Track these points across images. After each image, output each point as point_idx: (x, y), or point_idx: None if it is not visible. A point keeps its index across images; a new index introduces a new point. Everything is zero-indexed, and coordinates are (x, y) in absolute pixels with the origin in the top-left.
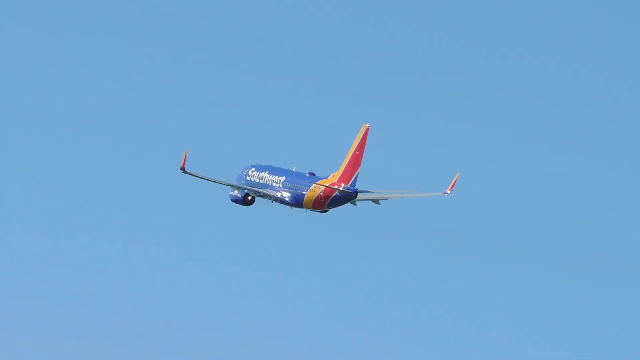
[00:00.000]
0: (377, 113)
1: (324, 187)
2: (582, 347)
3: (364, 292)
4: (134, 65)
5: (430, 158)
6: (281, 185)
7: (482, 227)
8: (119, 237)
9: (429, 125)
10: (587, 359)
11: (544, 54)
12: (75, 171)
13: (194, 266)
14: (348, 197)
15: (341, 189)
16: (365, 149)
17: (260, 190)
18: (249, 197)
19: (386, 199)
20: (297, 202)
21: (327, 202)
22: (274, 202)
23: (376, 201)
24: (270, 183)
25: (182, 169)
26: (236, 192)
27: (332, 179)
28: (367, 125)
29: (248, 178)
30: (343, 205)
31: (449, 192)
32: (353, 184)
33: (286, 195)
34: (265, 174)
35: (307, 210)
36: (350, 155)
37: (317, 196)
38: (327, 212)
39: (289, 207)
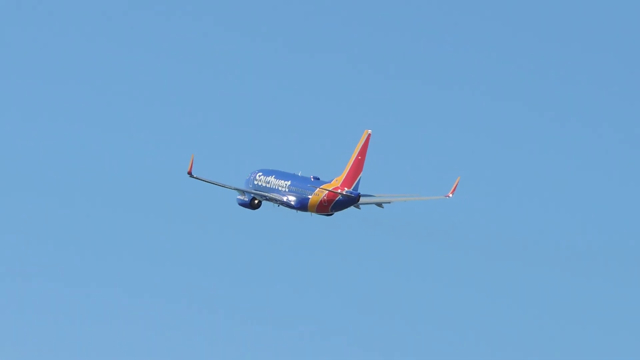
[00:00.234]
0: (379, 119)
1: (327, 192)
2: (581, 348)
3: (363, 292)
4: (141, 69)
5: (432, 162)
6: (287, 190)
7: (484, 230)
8: (127, 242)
9: (430, 130)
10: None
11: (544, 57)
12: (81, 176)
13: (200, 270)
14: (351, 200)
15: (344, 193)
16: (367, 153)
17: (266, 194)
18: (256, 201)
19: (389, 202)
20: (302, 205)
21: (331, 205)
22: (280, 205)
23: (379, 204)
24: (276, 187)
25: (189, 173)
26: (244, 196)
27: (336, 183)
28: (369, 131)
29: (255, 182)
30: (349, 209)
31: (450, 195)
32: (355, 188)
33: (292, 199)
34: (271, 179)
35: (312, 213)
36: (353, 160)
37: (321, 200)
38: (332, 215)
39: (294, 211)
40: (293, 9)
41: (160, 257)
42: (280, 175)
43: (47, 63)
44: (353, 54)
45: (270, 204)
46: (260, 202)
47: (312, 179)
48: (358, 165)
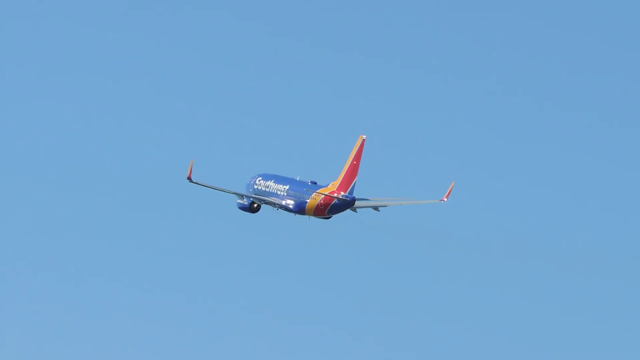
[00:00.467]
0: (373, 124)
1: (323, 195)
2: (580, 350)
3: (360, 294)
4: (140, 73)
5: (426, 167)
6: (285, 194)
7: (478, 233)
8: (128, 246)
9: (425, 135)
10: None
11: (539, 58)
12: (81, 181)
13: (200, 273)
14: (346, 204)
15: (340, 196)
16: (362, 158)
17: (265, 198)
18: (255, 205)
19: (385, 206)
20: (300, 209)
21: (327, 209)
22: (279, 209)
23: (376, 208)
24: (275, 191)
25: (189, 178)
26: (244, 200)
27: (332, 188)
28: (364, 136)
29: (255, 187)
30: (345, 212)
31: (445, 199)
32: (351, 192)
33: (290, 203)
34: (271, 183)
35: (310, 217)
36: (348, 164)
37: (318, 204)
38: (330, 218)
39: (292, 214)
40: (291, 15)
41: (162, 260)
42: (279, 179)
43: (47, 62)
44: (350, 60)
45: (270, 207)
46: (259, 206)
47: (310, 184)
48: (353, 170)
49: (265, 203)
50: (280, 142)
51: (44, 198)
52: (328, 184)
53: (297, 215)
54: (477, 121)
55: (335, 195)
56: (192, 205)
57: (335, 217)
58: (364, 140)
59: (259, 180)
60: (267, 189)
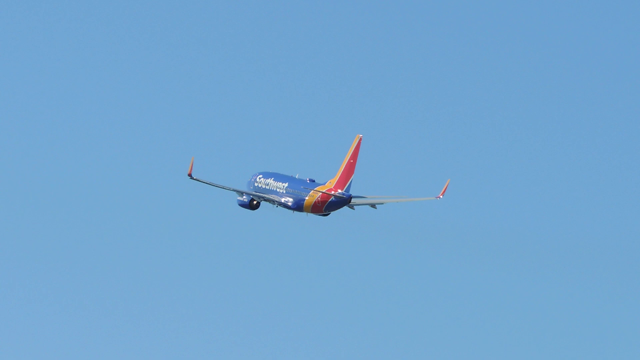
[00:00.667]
0: (370, 123)
1: (321, 193)
2: (577, 348)
3: (359, 290)
4: (142, 71)
5: (422, 165)
6: (284, 191)
7: (472, 229)
8: (129, 242)
9: (420, 135)
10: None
11: (533, 58)
12: (81, 177)
13: (201, 268)
14: (343, 201)
15: (337, 194)
16: (358, 157)
17: (265, 195)
18: (254, 202)
19: (382, 204)
20: (298, 206)
21: (324, 206)
22: (278, 206)
23: (373, 205)
24: (275, 189)
25: (190, 175)
26: (243, 197)
27: (330, 185)
28: (360, 135)
29: (256, 184)
30: (343, 209)
31: (441, 196)
32: (347, 190)
33: (289, 200)
34: (270, 181)
35: (307, 213)
36: (345, 163)
37: (315, 201)
38: (328, 215)
39: (290, 211)
40: (291, 17)
41: (163, 255)
42: (279, 177)
43: (46, 65)
44: (348, 61)
45: (269, 204)
46: (258, 203)
47: (308, 181)
48: (350, 168)
49: (265, 200)
50: (281, 140)
51: (46, 196)
52: (326, 182)
53: (296, 212)
54: (472, 119)
55: (332, 193)
56: (193, 201)
57: (333, 214)
58: (360, 139)
59: (260, 178)
60: (267, 187)
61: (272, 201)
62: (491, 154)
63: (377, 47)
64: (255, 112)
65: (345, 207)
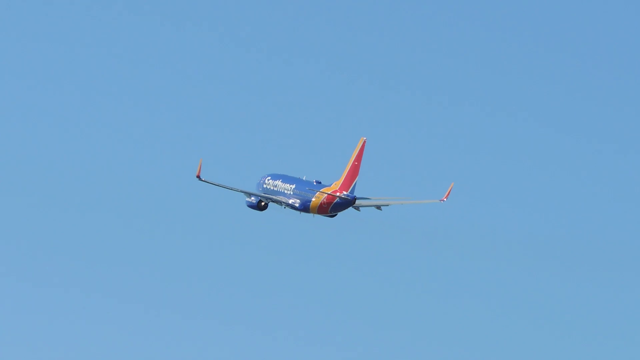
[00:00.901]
0: (375, 126)
1: (326, 195)
2: (577, 349)
3: (363, 290)
4: (151, 73)
5: (426, 168)
6: (292, 193)
7: (476, 233)
8: (138, 243)
9: (424, 138)
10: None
11: (537, 62)
12: (91, 180)
13: (209, 267)
14: (347, 203)
15: (341, 195)
16: (363, 159)
17: (272, 197)
18: (262, 203)
19: (387, 205)
20: (305, 207)
21: (330, 207)
22: (285, 207)
23: (378, 207)
24: (282, 190)
25: (198, 176)
26: (252, 198)
27: (335, 187)
28: (364, 138)
29: (265, 186)
30: (349, 211)
31: (445, 199)
32: (352, 191)
33: (296, 201)
34: (279, 182)
35: (314, 215)
36: (350, 165)
37: (321, 202)
38: (335, 216)
39: (298, 212)
40: (299, 20)
41: (172, 256)
42: (287, 179)
43: (54, 68)
44: (349, 64)
45: (277, 206)
46: (266, 204)
47: (315, 183)
48: (354, 170)
49: (273, 201)
50: (289, 143)
51: (54, 198)
52: (331, 184)
53: (303, 214)
54: (476, 123)
55: (337, 194)
56: (201, 202)
57: (339, 215)
58: (364, 141)
59: (268, 180)
60: (275, 188)
61: (280, 202)
62: (495, 158)
63: (382, 51)
64: (263, 115)
65: (351, 209)
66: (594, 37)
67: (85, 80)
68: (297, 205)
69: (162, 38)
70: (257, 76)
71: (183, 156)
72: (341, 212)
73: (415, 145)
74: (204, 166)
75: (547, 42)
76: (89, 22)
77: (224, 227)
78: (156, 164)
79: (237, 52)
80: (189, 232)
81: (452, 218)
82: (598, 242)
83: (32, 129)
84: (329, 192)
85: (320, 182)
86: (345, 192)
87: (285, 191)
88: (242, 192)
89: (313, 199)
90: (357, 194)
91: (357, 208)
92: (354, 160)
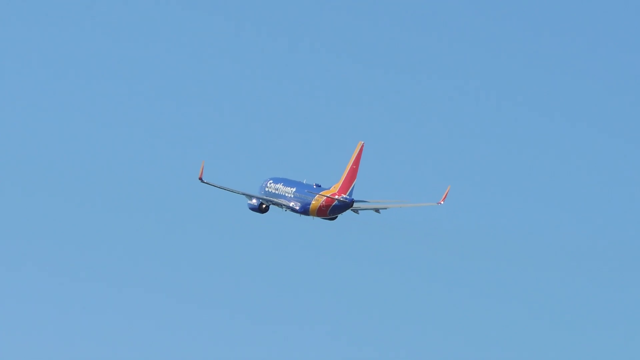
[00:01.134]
0: (372, 130)
1: (325, 197)
2: (576, 350)
3: (362, 291)
4: (154, 75)
5: (423, 172)
6: (292, 196)
7: (472, 236)
8: (139, 245)
9: (421, 141)
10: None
11: (535, 65)
12: (92, 182)
13: (210, 270)
14: (346, 205)
15: (340, 198)
16: (361, 163)
17: (273, 199)
18: (264, 206)
19: (385, 208)
20: (304, 210)
21: (329, 210)
22: (286, 210)
23: (377, 210)
24: (283, 193)
25: (200, 179)
26: (253, 201)
27: (334, 190)
28: (362, 142)
29: (267, 189)
30: (348, 214)
31: (442, 202)
32: (350, 194)
33: (296, 204)
34: (280, 185)
35: (314, 217)
36: (348, 168)
37: (320, 205)
38: (335, 219)
39: (298, 215)
40: (299, 25)
41: (174, 258)
42: (288, 182)
43: (56, 66)
44: (348, 67)
45: (278, 208)
46: (267, 206)
47: (315, 186)
48: (353, 174)
49: (274, 204)
50: (291, 147)
51: (57, 200)
52: (330, 187)
53: (302, 216)
54: (473, 126)
55: (336, 197)
56: (203, 204)
57: (339, 218)
58: (362, 145)
59: (270, 183)
60: (276, 191)
61: (281, 205)
62: (491, 161)
63: (381, 54)
64: (266, 119)
65: (350, 211)
66: (594, 37)
67: (87, 81)
68: (297, 208)
69: (164, 39)
70: (258, 79)
71: (186, 158)
72: (340, 215)
73: (413, 149)
74: (206, 168)
75: (548, 43)
76: (89, 22)
77: (225, 229)
78: (159, 166)
79: (240, 56)
80: (191, 233)
81: (449, 220)
82: (598, 242)
83: (35, 132)
84: (328, 195)
85: (319, 186)
86: (343, 195)
87: (286, 194)
88: (244, 194)
89: (312, 202)
90: (355, 197)
91: (356, 211)
92: (352, 164)
